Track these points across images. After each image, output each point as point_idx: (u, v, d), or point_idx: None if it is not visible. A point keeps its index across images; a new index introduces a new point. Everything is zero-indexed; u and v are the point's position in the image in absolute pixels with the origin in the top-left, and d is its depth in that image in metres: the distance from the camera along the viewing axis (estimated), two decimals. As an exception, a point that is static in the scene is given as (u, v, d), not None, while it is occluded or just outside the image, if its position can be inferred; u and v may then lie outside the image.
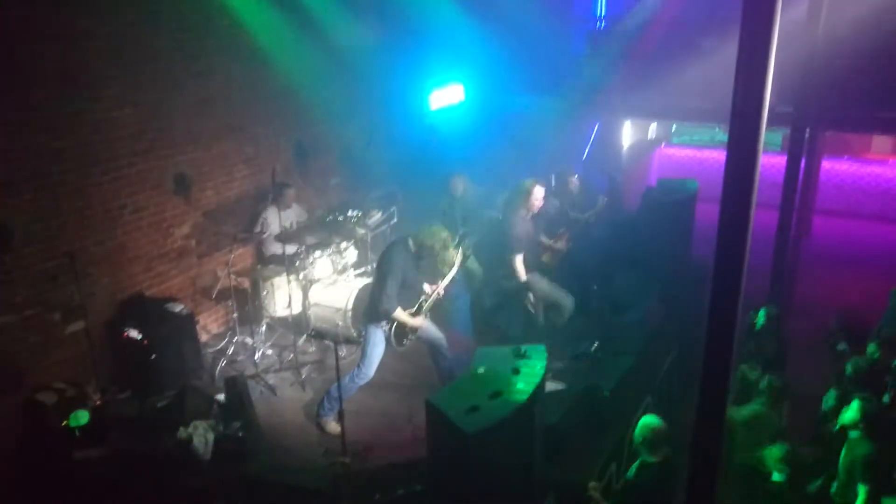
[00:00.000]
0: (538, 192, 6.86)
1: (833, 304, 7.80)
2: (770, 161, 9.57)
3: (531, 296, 6.98)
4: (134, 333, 6.44)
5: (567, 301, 6.96)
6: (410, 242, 6.05)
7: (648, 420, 4.35)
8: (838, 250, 10.31)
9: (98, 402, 6.03)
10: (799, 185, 7.42)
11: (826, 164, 11.22)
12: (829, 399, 5.51)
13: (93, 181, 6.29)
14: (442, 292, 6.37)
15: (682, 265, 8.54)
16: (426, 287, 6.29)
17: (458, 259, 6.48)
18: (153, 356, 6.44)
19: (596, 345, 7.01)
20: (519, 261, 6.73)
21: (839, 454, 4.74)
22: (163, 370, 6.50)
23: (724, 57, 3.24)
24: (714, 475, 3.42)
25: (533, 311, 7.13)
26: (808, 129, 7.68)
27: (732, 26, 2.79)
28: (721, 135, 12.61)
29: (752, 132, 2.80)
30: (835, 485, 4.74)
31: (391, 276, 5.86)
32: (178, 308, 6.82)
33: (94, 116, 6.21)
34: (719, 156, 2.79)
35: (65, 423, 5.62)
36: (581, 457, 5.43)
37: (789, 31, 4.99)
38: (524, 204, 6.82)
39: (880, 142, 12.35)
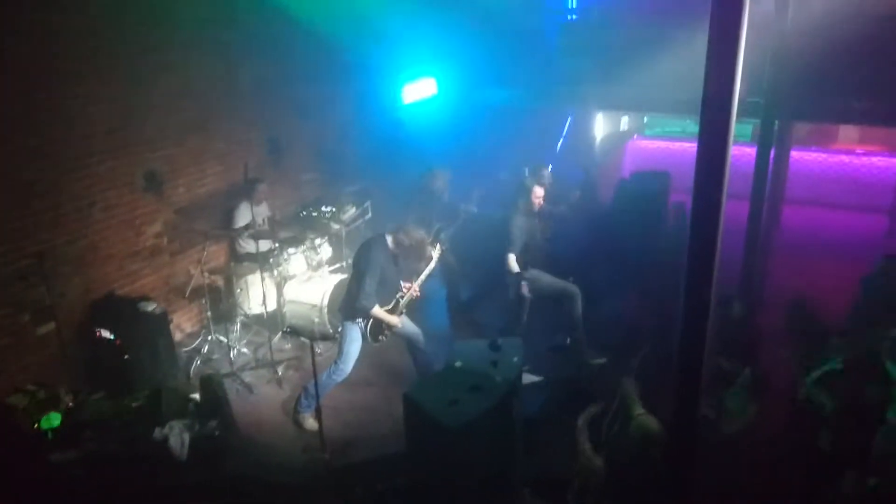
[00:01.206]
0: (538, 191, 6.95)
1: (803, 294, 7.91)
2: (740, 152, 9.69)
3: (526, 291, 7.00)
4: (106, 333, 6.36)
5: (573, 288, 6.99)
6: (389, 240, 6.03)
7: (647, 423, 4.40)
8: (808, 240, 10.46)
9: (71, 404, 5.95)
10: (769, 176, 7.51)
11: (795, 155, 11.37)
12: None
13: (62, 179, 6.19)
14: (417, 292, 6.36)
15: (656, 255, 8.63)
16: (403, 284, 6.29)
17: (435, 255, 6.49)
18: (126, 356, 6.36)
19: (570, 339, 7.07)
20: (511, 258, 6.79)
21: None
22: (136, 370, 6.43)
23: (695, 49, 3.27)
24: (691, 463, 3.46)
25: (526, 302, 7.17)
26: (777, 120, 7.78)
27: (703, 18, 2.81)
28: (692, 126, 12.72)
29: (723, 123, 2.83)
30: None
31: (369, 273, 5.84)
32: (151, 307, 6.73)
33: (63, 114, 6.10)
34: (691, 147, 2.83)
35: (36, 425, 5.53)
36: (558, 448, 5.48)
37: (758, 22, 5.05)
38: (524, 202, 6.90)
39: (847, 131, 12.55)
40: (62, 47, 6.03)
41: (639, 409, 4.61)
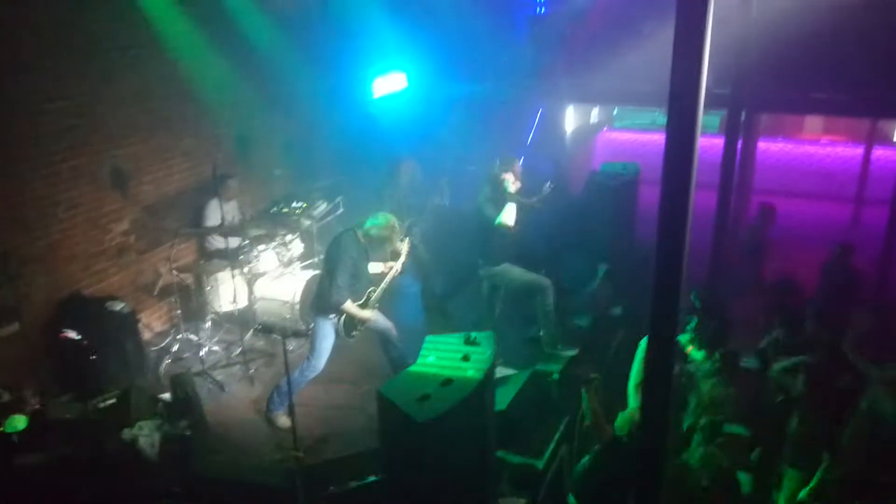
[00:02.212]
0: (508, 179, 6.90)
1: (770, 281, 8.02)
2: (708, 143, 9.80)
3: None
4: (72, 334, 6.24)
5: (545, 281, 6.97)
6: (360, 233, 5.99)
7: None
8: (775, 229, 10.61)
9: (37, 407, 5.83)
10: (737, 166, 7.59)
11: (762, 145, 11.52)
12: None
13: (24, 178, 6.05)
14: (399, 271, 6.33)
15: (626, 247, 8.69)
16: (376, 269, 6.25)
17: (406, 248, 6.47)
18: (94, 357, 6.25)
19: (542, 331, 7.09)
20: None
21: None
22: (104, 371, 6.32)
23: (662, 41, 3.28)
24: (662, 452, 3.48)
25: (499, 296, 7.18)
26: (744, 111, 7.86)
27: (670, 10, 2.82)
28: (661, 118, 12.82)
29: (690, 115, 2.84)
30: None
31: (341, 267, 5.81)
32: (118, 307, 6.63)
33: (22, 110, 5.96)
34: (660, 139, 2.86)
35: (1, 429, 5.42)
36: (532, 440, 5.50)
37: (724, 14, 5.09)
38: (492, 191, 6.86)
39: (812, 122, 12.75)
40: (22, 42, 5.88)
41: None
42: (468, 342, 5.11)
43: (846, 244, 6.83)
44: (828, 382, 4.98)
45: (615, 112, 13.94)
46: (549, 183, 8.23)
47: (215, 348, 7.31)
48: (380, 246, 6.08)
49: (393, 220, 6.04)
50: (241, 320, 7.24)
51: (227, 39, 7.90)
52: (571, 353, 6.93)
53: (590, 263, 8.32)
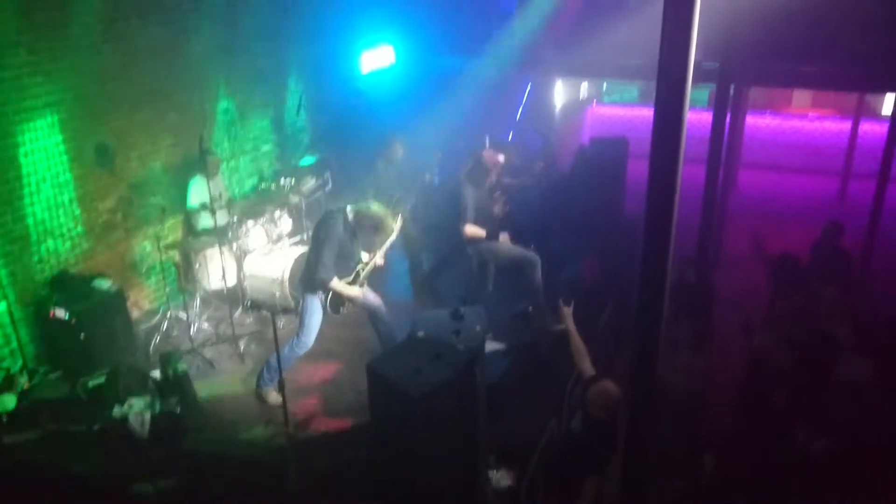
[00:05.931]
0: (489, 159, 6.87)
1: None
2: (697, 117, 9.80)
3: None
4: (61, 313, 6.21)
5: (533, 255, 6.98)
6: (348, 212, 5.97)
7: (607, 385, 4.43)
8: (763, 202, 10.67)
9: (26, 386, 5.83)
10: (725, 140, 7.60)
11: (750, 119, 11.53)
12: None
13: (6, 154, 5.96)
14: (381, 261, 6.32)
15: (615, 221, 8.71)
16: (364, 256, 6.24)
17: (396, 226, 6.45)
18: (82, 335, 6.22)
19: (531, 306, 7.12)
20: (469, 228, 6.75)
21: None
22: (93, 349, 6.30)
23: (651, 14, 3.25)
24: (650, 427, 3.51)
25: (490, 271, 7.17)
26: (732, 85, 7.85)
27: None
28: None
29: (679, 89, 2.83)
30: None
31: (328, 245, 5.79)
32: (106, 285, 6.59)
33: (2, 85, 5.87)
34: (648, 113, 2.85)
35: (-10, 408, 5.42)
36: (522, 415, 5.54)
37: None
38: (467, 172, 6.83)
39: (800, 96, 12.77)
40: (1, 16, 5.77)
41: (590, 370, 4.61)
42: (457, 317, 5.11)
43: (836, 223, 6.84)
44: (808, 352, 5.02)
45: (604, 87, 13.90)
46: (539, 163, 8.23)
47: (205, 326, 7.30)
48: (369, 227, 6.06)
49: (381, 204, 6.02)
50: (230, 298, 7.22)
51: (212, 13, 7.79)
52: (560, 327, 6.96)
53: (578, 238, 8.34)
